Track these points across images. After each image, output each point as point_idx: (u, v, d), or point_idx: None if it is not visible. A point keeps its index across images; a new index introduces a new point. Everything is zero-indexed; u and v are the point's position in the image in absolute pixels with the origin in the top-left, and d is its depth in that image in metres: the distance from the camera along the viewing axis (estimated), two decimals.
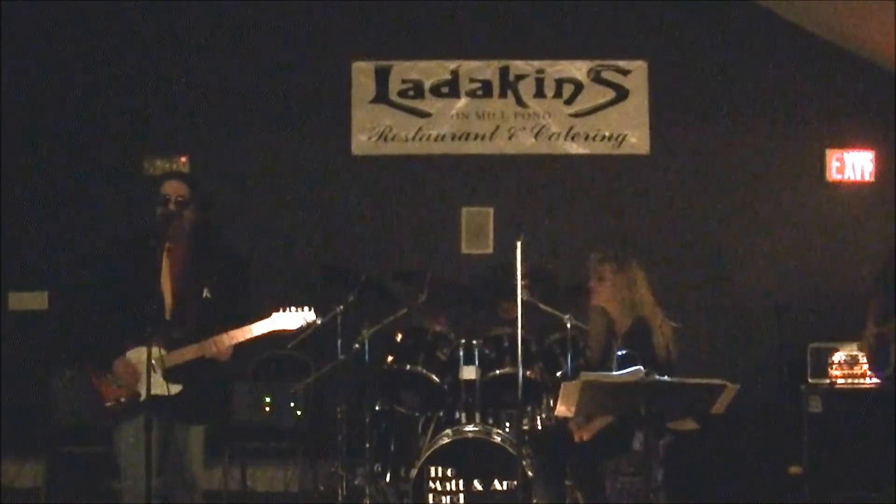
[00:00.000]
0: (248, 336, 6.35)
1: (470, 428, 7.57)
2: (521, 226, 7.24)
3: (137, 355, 6.22)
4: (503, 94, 10.24)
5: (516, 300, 6.96)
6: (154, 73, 10.17)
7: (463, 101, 10.22)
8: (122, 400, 6.32)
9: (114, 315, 6.37)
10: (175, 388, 6.29)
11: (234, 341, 6.33)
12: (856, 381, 8.85)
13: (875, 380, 8.47)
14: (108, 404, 6.36)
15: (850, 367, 8.82)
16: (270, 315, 6.39)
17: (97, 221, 9.79)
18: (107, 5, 10.10)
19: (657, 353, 6.97)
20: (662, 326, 7.10)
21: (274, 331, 6.41)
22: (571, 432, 7.09)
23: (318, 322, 6.60)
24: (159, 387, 6.21)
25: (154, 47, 10.17)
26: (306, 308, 6.43)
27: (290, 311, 6.40)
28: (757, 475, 8.88)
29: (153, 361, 6.15)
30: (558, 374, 8.10)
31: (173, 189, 6.47)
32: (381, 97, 10.22)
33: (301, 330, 6.51)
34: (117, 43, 10.15)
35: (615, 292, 7.24)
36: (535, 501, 7.17)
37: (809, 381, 9.11)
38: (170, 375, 6.28)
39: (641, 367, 6.14)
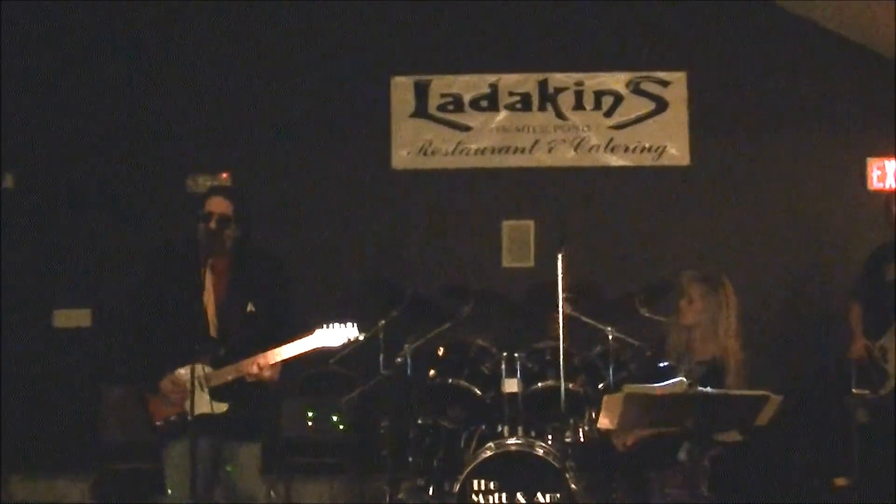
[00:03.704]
0: (290, 354, 6.29)
1: (513, 441, 7.56)
2: (564, 238, 7.24)
3: (186, 373, 6.19)
4: (542, 107, 10.24)
5: (558, 313, 6.97)
6: (197, 89, 10.23)
7: (502, 115, 10.23)
8: (172, 418, 6.33)
9: (158, 333, 6.38)
10: (220, 407, 6.28)
11: (276, 360, 6.28)
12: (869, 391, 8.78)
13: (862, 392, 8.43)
14: (158, 423, 6.39)
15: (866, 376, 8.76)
16: (314, 332, 6.32)
17: (141, 238, 9.83)
18: (150, 23, 10.16)
19: (727, 387, 6.94)
20: (739, 363, 7.07)
21: (317, 348, 6.35)
22: (615, 445, 7.09)
23: (361, 338, 6.57)
24: (205, 405, 6.24)
25: (198, 65, 10.22)
26: (349, 324, 6.35)
27: (333, 327, 6.33)
28: (803, 487, 8.84)
29: (199, 380, 6.19)
30: (601, 386, 8.10)
31: (216, 206, 6.47)
32: (421, 111, 10.25)
33: (344, 346, 6.48)
34: (162, 60, 10.21)
35: (702, 316, 7.23)
36: None
37: (854, 391, 9.06)
38: (216, 394, 6.29)
39: (684, 379, 6.13)
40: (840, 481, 8.88)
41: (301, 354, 6.34)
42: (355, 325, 6.38)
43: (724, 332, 7.13)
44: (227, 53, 10.26)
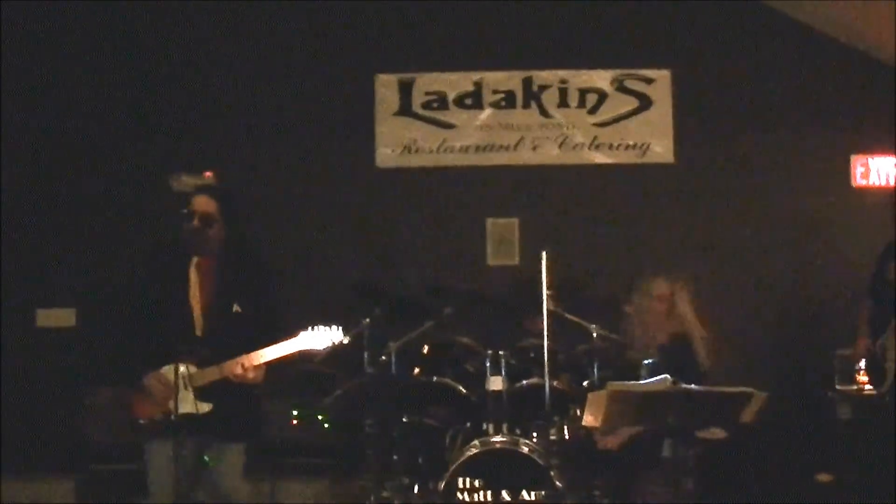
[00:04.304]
0: (274, 356, 6.27)
1: (498, 439, 7.56)
2: (546, 243, 7.30)
3: (170, 372, 6.18)
4: (527, 105, 10.24)
5: (542, 311, 6.98)
6: (181, 88, 10.20)
7: (487, 113, 10.23)
8: (156, 417, 6.31)
9: (143, 332, 6.37)
10: (205, 407, 6.26)
11: (260, 361, 6.26)
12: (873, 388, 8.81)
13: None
14: (142, 421, 6.37)
15: (866, 374, 8.77)
16: (298, 334, 6.30)
17: (125, 238, 9.81)
18: (135, 22, 10.14)
19: (699, 363, 7.02)
20: (703, 338, 7.17)
21: (301, 350, 6.34)
22: (598, 444, 7.10)
23: (346, 341, 6.54)
24: (189, 405, 6.22)
25: (180, 63, 10.20)
26: (334, 327, 6.32)
27: (317, 329, 6.32)
28: (786, 483, 8.85)
29: (183, 379, 6.17)
30: (585, 384, 8.10)
31: (200, 204, 6.45)
32: (405, 110, 10.24)
33: (329, 349, 6.47)
34: (144, 59, 10.18)
35: (668, 310, 7.33)
36: None
37: (837, 387, 9.09)
38: (200, 394, 6.27)
39: (668, 376, 6.14)
40: (823, 477, 8.91)
41: (285, 356, 6.33)
42: (340, 327, 6.35)
43: (682, 312, 7.23)
44: (211, 52, 10.24)
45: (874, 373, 7.92)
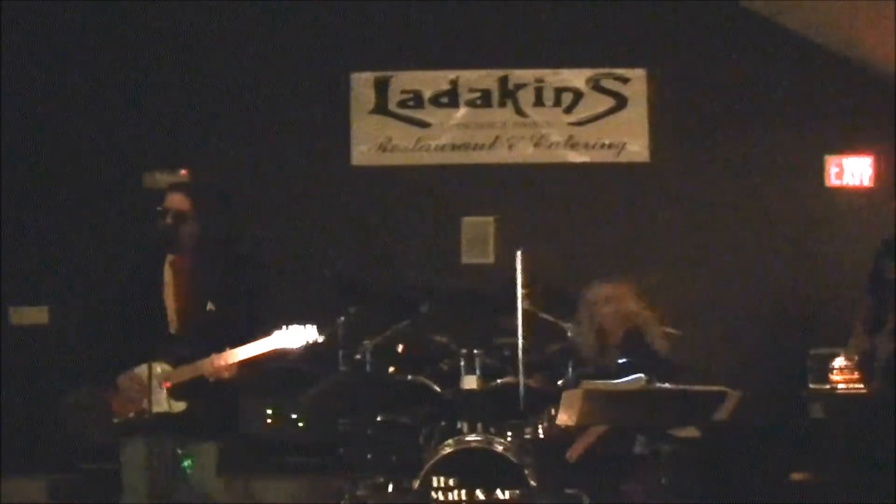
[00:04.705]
0: (249, 355, 6.25)
1: (472, 438, 7.55)
2: (521, 242, 7.32)
3: (144, 371, 6.17)
4: (503, 104, 10.24)
5: (517, 310, 6.99)
6: (153, 84, 10.17)
7: (462, 111, 10.23)
8: (130, 416, 6.29)
9: (117, 330, 6.35)
10: (178, 406, 6.25)
11: (234, 360, 6.24)
12: (856, 386, 8.82)
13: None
14: (116, 420, 6.35)
15: (850, 372, 8.80)
16: (272, 333, 6.27)
17: (97, 235, 9.78)
18: (104, 16, 10.09)
19: (656, 350, 7.07)
20: (656, 331, 7.23)
21: (275, 350, 6.32)
22: (574, 441, 7.11)
23: (321, 340, 6.52)
24: (163, 404, 6.20)
25: (153, 60, 10.17)
26: (309, 326, 6.29)
27: (292, 328, 6.30)
28: (760, 482, 8.88)
29: (157, 378, 6.15)
30: (560, 382, 8.10)
31: (173, 202, 6.43)
32: (381, 108, 10.24)
33: (303, 348, 6.45)
34: (116, 55, 10.15)
35: (615, 310, 7.40)
36: None
37: (811, 387, 9.13)
38: (174, 393, 6.25)
39: (642, 375, 6.16)
40: (797, 476, 8.94)
41: (260, 356, 6.31)
42: (315, 326, 6.33)
43: (630, 311, 7.34)
44: (185, 49, 10.21)
45: (868, 372, 7.92)
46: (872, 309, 8.03)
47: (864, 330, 8.05)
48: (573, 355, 8.00)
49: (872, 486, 7.83)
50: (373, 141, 10.21)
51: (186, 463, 6.42)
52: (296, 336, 6.27)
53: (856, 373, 8.67)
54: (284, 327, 6.26)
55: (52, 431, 8.81)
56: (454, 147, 10.21)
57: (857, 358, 8.05)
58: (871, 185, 10.12)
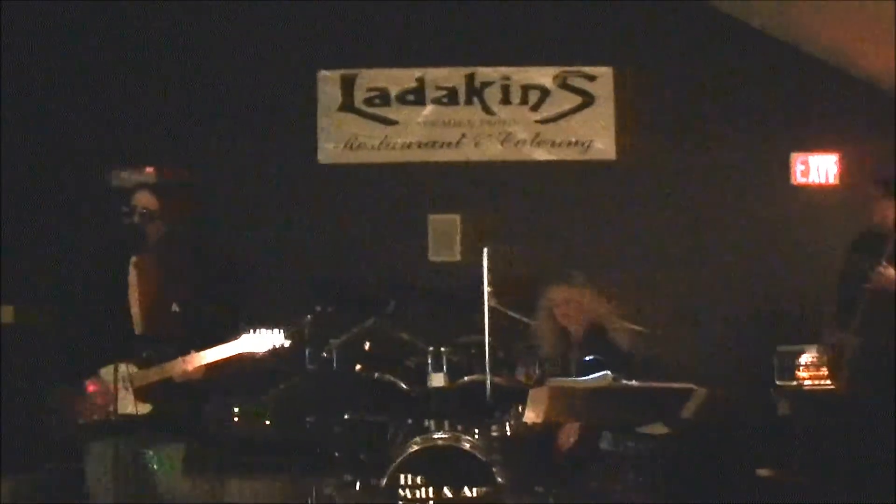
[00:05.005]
0: (215, 358, 6.25)
1: (439, 435, 7.55)
2: (488, 240, 7.33)
3: (110, 372, 6.14)
4: (469, 102, 10.24)
5: (484, 307, 7.00)
6: (119, 83, 10.11)
7: (429, 109, 10.22)
8: (96, 418, 6.25)
9: (83, 331, 6.32)
10: (144, 408, 6.22)
11: (201, 362, 6.23)
12: (823, 382, 8.85)
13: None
14: (81, 421, 6.31)
15: (816, 368, 8.83)
16: (240, 336, 6.28)
17: (63, 234, 9.71)
18: (67, 15, 10.02)
19: (619, 345, 7.10)
20: (618, 327, 7.27)
21: (242, 353, 6.32)
22: (543, 437, 7.11)
23: (287, 345, 6.52)
24: (129, 406, 6.17)
25: (119, 58, 10.11)
26: (276, 330, 6.31)
27: (259, 332, 6.30)
28: (727, 478, 8.91)
29: (123, 380, 6.12)
30: (526, 380, 8.11)
31: (141, 200, 6.41)
32: (348, 105, 10.21)
33: (270, 352, 6.44)
34: (82, 53, 10.09)
35: (577, 310, 7.45)
36: None
37: (777, 383, 9.16)
38: (140, 394, 6.21)
39: (609, 373, 6.17)
40: (764, 472, 8.97)
41: (226, 359, 6.30)
42: (281, 331, 6.34)
43: (591, 309, 7.36)
44: (152, 48, 10.15)
45: (838, 367, 7.93)
46: (844, 304, 8.04)
47: (835, 325, 8.05)
48: (539, 353, 8.03)
49: (840, 480, 7.85)
50: (340, 139, 10.19)
51: (153, 464, 6.41)
52: (263, 340, 6.29)
53: (823, 369, 8.69)
54: (252, 331, 6.26)
55: (15, 431, 8.78)
56: (421, 145, 10.20)
57: (831, 354, 8.06)
58: (837, 182, 10.16)
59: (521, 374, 8.11)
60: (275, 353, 6.44)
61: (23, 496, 8.87)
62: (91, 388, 6.24)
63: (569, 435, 7.15)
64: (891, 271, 7.40)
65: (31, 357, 9.28)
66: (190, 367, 6.22)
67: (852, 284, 7.78)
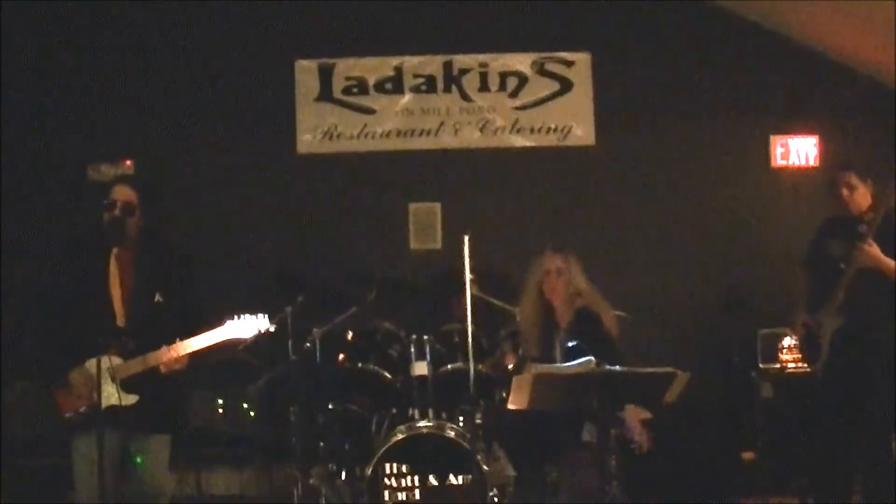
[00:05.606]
0: (200, 346, 6.27)
1: (423, 424, 7.54)
2: (468, 227, 7.30)
3: (93, 365, 6.11)
4: (447, 89, 10.23)
5: (465, 295, 6.99)
6: (97, 76, 10.07)
7: (407, 97, 10.20)
8: (81, 410, 6.25)
9: (65, 324, 6.31)
10: (129, 399, 6.23)
11: (185, 351, 6.25)
12: (805, 365, 8.85)
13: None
14: (67, 415, 6.30)
15: (799, 351, 8.83)
16: (224, 323, 6.30)
17: (43, 228, 9.67)
18: (42, 10, 9.97)
19: (610, 338, 7.08)
20: (608, 314, 7.25)
21: (227, 340, 6.34)
22: (529, 420, 7.11)
23: (272, 329, 6.51)
24: (114, 397, 6.17)
25: (97, 51, 10.07)
26: (260, 315, 6.35)
27: (243, 318, 6.32)
28: (711, 462, 8.93)
29: (108, 372, 6.11)
30: (509, 367, 8.11)
31: (119, 194, 6.42)
32: (326, 95, 10.19)
33: (255, 338, 6.44)
34: (59, 47, 10.05)
35: (565, 284, 7.40)
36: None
37: (760, 366, 9.18)
38: (124, 386, 6.22)
39: (592, 358, 6.17)
40: (747, 455, 9.00)
41: (211, 346, 6.31)
42: (266, 316, 6.38)
43: (578, 284, 7.33)
44: (127, 39, 10.12)
45: (811, 349, 7.92)
46: (811, 285, 8.04)
47: (805, 307, 8.06)
48: (521, 338, 8.02)
49: (821, 464, 7.87)
50: (318, 129, 10.17)
51: (138, 457, 6.41)
52: (248, 326, 6.34)
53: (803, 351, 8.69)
54: (236, 317, 6.28)
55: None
56: (399, 133, 10.19)
57: (801, 336, 8.04)
58: (817, 164, 10.18)
59: (503, 360, 8.11)
60: (257, 340, 6.46)
61: (10, 491, 8.85)
62: (76, 381, 6.23)
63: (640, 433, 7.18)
64: (874, 249, 7.41)
65: (11, 352, 9.26)
66: (176, 356, 6.23)
67: (825, 267, 7.78)
